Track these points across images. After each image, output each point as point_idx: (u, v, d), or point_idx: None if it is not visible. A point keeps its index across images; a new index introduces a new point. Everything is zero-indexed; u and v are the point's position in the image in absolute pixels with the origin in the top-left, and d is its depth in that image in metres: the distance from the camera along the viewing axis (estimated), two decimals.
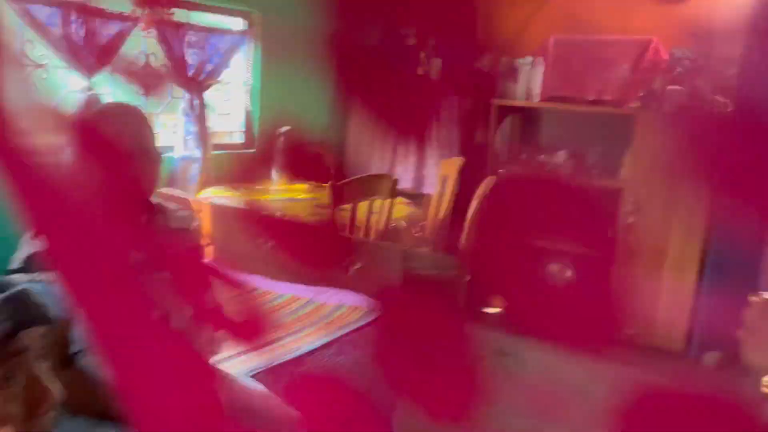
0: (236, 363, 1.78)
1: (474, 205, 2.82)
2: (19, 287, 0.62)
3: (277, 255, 2.55)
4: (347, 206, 2.63)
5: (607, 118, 3.49)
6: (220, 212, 2.79)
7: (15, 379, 0.61)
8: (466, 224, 2.91)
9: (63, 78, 2.70)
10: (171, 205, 1.49)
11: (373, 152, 4.23)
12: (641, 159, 3.27)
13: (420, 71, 3.85)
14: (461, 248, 2.97)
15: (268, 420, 1.44)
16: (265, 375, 1.77)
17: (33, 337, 0.62)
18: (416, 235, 3.35)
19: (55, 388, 0.64)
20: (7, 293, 0.61)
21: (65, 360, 0.67)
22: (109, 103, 1.37)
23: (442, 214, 3.36)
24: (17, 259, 1.04)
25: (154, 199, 1.44)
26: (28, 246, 1.27)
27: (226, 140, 3.66)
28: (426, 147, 4.00)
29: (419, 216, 3.43)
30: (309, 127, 4.03)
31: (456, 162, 3.50)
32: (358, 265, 2.36)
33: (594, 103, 3.44)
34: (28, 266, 0.94)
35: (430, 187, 3.94)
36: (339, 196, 2.51)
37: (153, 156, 1.34)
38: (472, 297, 3.25)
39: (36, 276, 0.77)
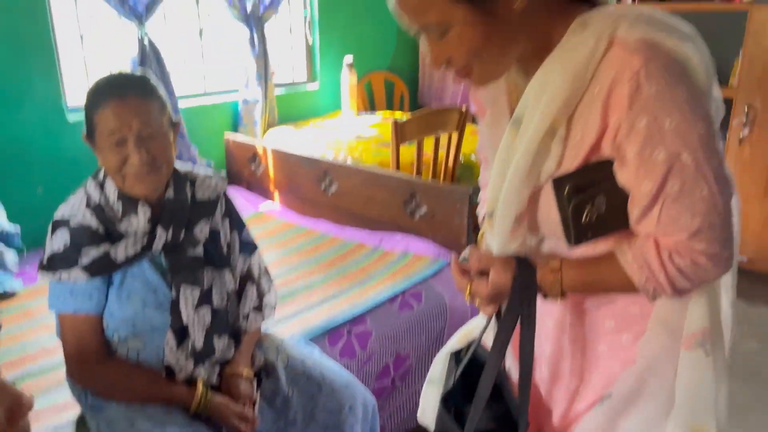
0: (293, 326, 1.71)
1: None
2: None
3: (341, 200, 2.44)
4: (412, 143, 2.43)
5: (714, 17, 3.00)
6: (283, 158, 2.69)
7: None
8: None
9: (117, 27, 2.62)
10: (201, 172, 1.37)
11: (446, 85, 3.98)
12: (755, 63, 2.80)
13: None
14: None
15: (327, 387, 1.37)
16: (325, 337, 1.69)
17: None
18: None
19: None
20: None
21: None
22: (109, 78, 1.21)
23: None
24: None
25: (182, 168, 1.33)
26: None
27: (287, 78, 3.52)
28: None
29: None
30: (373, 58, 3.80)
31: None
32: (422, 209, 2.19)
33: None
34: None
35: None
36: (401, 133, 2.32)
37: (164, 130, 1.21)
38: None
39: None
